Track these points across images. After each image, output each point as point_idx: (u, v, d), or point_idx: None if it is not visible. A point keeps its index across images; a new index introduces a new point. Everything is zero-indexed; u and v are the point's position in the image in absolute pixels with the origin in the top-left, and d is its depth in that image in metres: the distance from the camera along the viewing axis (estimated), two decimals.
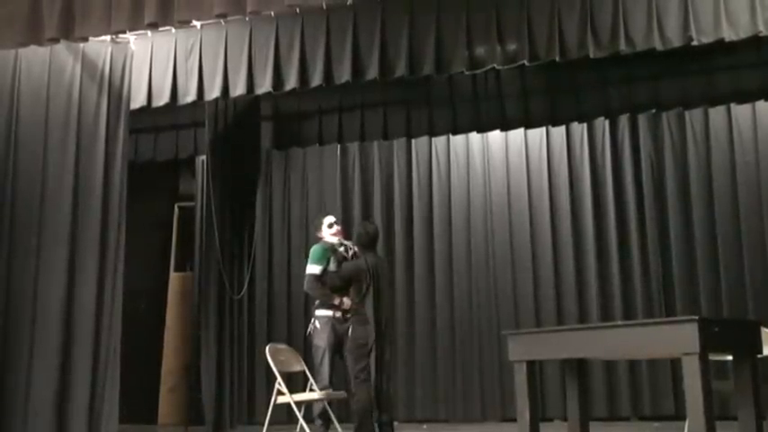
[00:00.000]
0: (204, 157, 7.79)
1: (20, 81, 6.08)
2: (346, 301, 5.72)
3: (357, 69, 5.96)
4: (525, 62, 5.78)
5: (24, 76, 6.09)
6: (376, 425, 5.43)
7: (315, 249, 6.01)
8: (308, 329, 5.97)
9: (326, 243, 6.04)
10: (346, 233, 6.36)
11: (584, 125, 7.95)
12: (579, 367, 3.80)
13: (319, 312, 5.84)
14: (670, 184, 7.66)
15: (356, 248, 5.82)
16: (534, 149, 8.12)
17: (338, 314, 5.78)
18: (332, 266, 5.84)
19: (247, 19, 5.95)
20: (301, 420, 5.67)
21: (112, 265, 5.94)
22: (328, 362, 5.74)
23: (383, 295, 5.53)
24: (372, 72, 5.95)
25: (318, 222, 6.17)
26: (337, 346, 5.79)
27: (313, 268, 5.88)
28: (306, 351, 7.33)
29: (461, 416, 7.74)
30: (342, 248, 5.96)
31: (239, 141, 7.79)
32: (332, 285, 5.74)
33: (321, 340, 5.77)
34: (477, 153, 8.31)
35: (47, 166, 5.98)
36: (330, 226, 6.07)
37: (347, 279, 5.60)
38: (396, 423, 6.19)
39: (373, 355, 5.34)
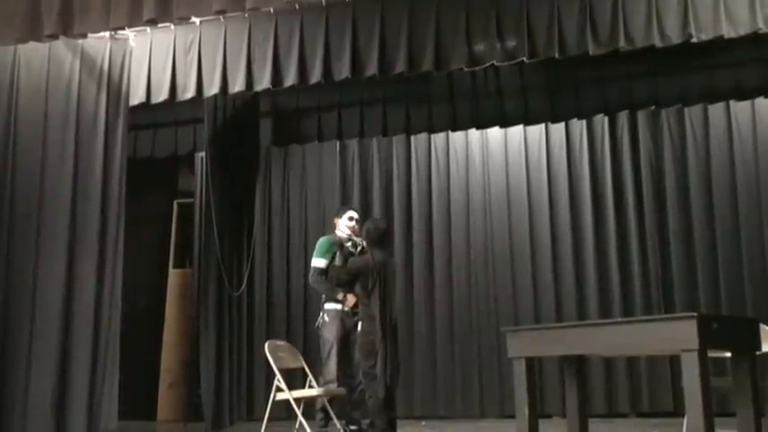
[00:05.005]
0: (203, 154, 7.78)
1: (19, 77, 6.07)
2: (350, 299, 5.72)
3: (356, 66, 5.94)
4: (524, 59, 5.78)
5: (23, 73, 6.08)
6: None
7: (321, 242, 6.01)
8: (317, 322, 5.98)
9: (334, 237, 6.04)
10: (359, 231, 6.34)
11: (584, 122, 7.95)
12: (578, 364, 3.80)
13: (328, 306, 5.87)
14: (669, 180, 7.67)
15: (364, 244, 5.73)
16: (533, 146, 8.12)
17: (346, 308, 5.79)
18: (337, 261, 5.81)
19: (246, 15, 5.94)
20: (300, 417, 5.67)
21: (111, 261, 5.94)
22: (336, 355, 5.77)
23: (390, 293, 5.44)
24: (371, 69, 5.93)
25: (341, 211, 6.20)
26: (345, 340, 5.81)
27: (318, 261, 5.90)
28: (305, 347, 7.37)
29: (460, 412, 7.75)
30: (349, 243, 5.93)
31: (238, 138, 7.78)
32: (338, 280, 5.69)
33: (329, 333, 5.80)
34: (477, 150, 8.31)
35: (46, 162, 5.97)
36: (350, 219, 6.07)
37: (354, 274, 5.47)
38: None
39: (380, 353, 5.21)
